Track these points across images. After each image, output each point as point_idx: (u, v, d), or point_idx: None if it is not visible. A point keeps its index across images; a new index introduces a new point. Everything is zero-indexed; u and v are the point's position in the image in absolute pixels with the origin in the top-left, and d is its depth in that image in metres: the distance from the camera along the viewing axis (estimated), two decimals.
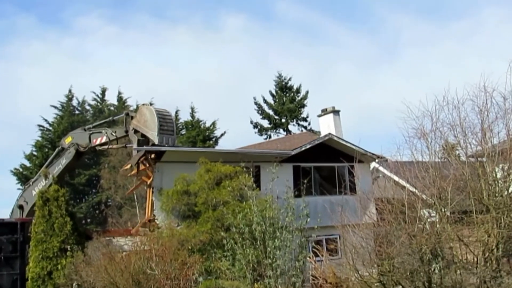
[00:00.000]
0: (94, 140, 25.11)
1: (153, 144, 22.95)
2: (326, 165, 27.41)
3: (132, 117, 24.64)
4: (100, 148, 26.19)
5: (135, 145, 23.92)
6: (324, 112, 31.09)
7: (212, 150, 29.56)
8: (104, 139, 24.99)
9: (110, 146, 26.06)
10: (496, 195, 14.95)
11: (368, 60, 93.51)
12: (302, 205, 16.89)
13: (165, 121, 23.43)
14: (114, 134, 24.92)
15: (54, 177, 24.03)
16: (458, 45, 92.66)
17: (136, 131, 24.00)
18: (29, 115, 75.25)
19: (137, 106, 47.68)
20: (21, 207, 24.55)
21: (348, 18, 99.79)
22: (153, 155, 23.37)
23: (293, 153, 25.53)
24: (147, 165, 24.50)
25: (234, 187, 20.46)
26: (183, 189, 21.65)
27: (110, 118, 29.64)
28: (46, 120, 48.08)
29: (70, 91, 50.07)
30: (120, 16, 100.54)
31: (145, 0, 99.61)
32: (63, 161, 24.96)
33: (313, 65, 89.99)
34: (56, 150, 26.85)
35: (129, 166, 26.85)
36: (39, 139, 46.47)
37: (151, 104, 48.32)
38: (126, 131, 24.73)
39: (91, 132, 25.31)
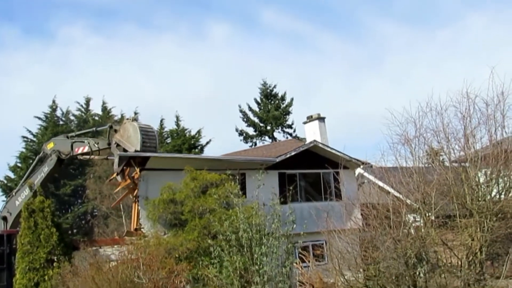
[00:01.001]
0: (76, 149, 25.05)
1: (136, 150, 23.04)
2: (311, 172, 27.55)
3: (115, 130, 24.61)
4: (81, 157, 26.17)
5: (116, 159, 23.93)
6: (310, 119, 31.27)
7: (197, 156, 29.55)
8: (86, 149, 24.92)
9: (92, 157, 25.99)
10: (479, 199, 15.19)
11: (353, 68, 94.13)
12: (288, 211, 17.00)
13: (148, 138, 23.50)
14: (96, 145, 24.88)
15: (38, 187, 23.96)
16: (442, 52, 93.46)
17: (118, 145, 24.00)
18: (13, 126, 74.86)
19: (122, 117, 47.82)
20: (4, 219, 24.44)
21: (333, 26, 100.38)
22: (136, 162, 23.45)
23: (277, 160, 25.66)
24: (133, 176, 24.58)
25: (220, 194, 20.54)
26: (169, 198, 21.69)
27: (94, 128, 29.57)
28: (30, 131, 47.87)
29: (54, 101, 49.88)
30: (105, 26, 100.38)
31: (130, 9, 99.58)
32: (45, 169, 24.92)
33: (298, 73, 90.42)
34: (38, 157, 26.86)
35: (115, 175, 26.84)
36: (23, 150, 46.23)
37: (135, 115, 48.66)
38: (109, 144, 24.66)
39: (73, 140, 25.24)
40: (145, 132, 23.46)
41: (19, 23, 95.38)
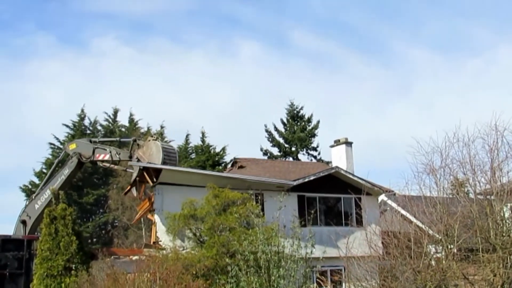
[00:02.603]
0: (98, 155, 25.25)
1: (149, 162, 23.42)
2: (332, 196, 27.41)
3: (138, 145, 24.89)
4: (101, 164, 26.43)
5: (135, 174, 24.20)
6: (337, 142, 31.15)
7: (209, 173, 29.26)
8: (107, 157, 25.19)
9: (111, 166, 26.33)
10: (504, 234, 14.87)
11: (381, 93, 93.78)
12: (308, 235, 16.83)
13: (169, 158, 24.05)
14: (118, 155, 25.11)
15: (61, 194, 24.06)
16: (471, 81, 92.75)
17: (139, 160, 24.21)
18: (42, 132, 75.89)
19: (148, 130, 48.25)
20: (24, 222, 24.62)
21: (363, 50, 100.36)
22: (149, 176, 23.66)
23: (295, 183, 25.56)
24: (149, 198, 24.81)
25: (241, 213, 20.45)
26: (190, 213, 21.68)
27: (118, 139, 29.78)
28: (57, 139, 48.43)
29: (82, 110, 50.44)
30: (137, 39, 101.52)
31: (162, 24, 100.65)
32: (66, 171, 25.18)
33: (326, 95, 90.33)
34: (57, 159, 27.41)
35: (129, 187, 27.03)
36: (50, 157, 46.69)
37: (161, 128, 49.13)
38: (130, 157, 24.95)
39: (96, 146, 25.48)
40: (167, 153, 23.93)
41: (54, 32, 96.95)
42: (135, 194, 26.01)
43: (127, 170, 27.01)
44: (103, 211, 46.61)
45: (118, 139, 29.62)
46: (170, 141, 48.30)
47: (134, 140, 25.51)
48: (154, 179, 23.53)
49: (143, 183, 24.96)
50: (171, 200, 22.73)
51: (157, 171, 23.42)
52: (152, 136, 25.58)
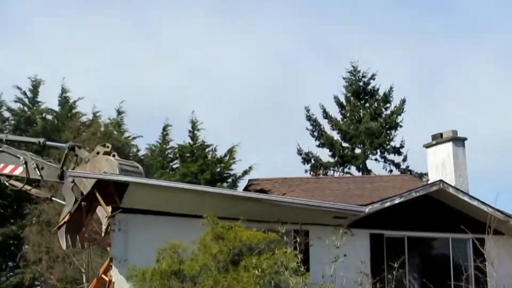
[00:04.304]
0: (2, 166, 25.09)
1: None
2: (432, 236, 27.35)
3: (77, 157, 24.07)
4: (6, 182, 25.61)
5: (68, 208, 23.26)
6: (437, 139, 30.85)
7: (201, 188, 27.85)
8: (19, 171, 24.84)
9: (24, 187, 25.55)
10: None
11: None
12: None
13: None
14: (38, 170, 24.40)
15: None
16: None
17: (75, 184, 23.33)
18: None
19: (94, 117, 48.28)
20: None
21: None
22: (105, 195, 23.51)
23: (366, 210, 25.09)
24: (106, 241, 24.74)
25: (265, 268, 20.40)
26: (172, 269, 21.65)
27: (40, 140, 28.33)
28: None
29: None
30: None
31: None
32: None
33: (414, 59, 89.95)
34: None
35: (62, 219, 26.32)
36: None
37: (119, 115, 49.33)
38: (61, 176, 24.20)
39: (0, 148, 25.32)
40: (128, 174, 23.15)
41: None
42: (64, 245, 24.88)
43: (53, 199, 26.45)
44: (14, 265, 46.79)
45: (40, 141, 28.45)
46: (135, 154, 48.33)
47: (72, 148, 24.79)
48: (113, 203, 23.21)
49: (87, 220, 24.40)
50: (141, 242, 22.60)
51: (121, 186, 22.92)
52: (105, 147, 24.64)
